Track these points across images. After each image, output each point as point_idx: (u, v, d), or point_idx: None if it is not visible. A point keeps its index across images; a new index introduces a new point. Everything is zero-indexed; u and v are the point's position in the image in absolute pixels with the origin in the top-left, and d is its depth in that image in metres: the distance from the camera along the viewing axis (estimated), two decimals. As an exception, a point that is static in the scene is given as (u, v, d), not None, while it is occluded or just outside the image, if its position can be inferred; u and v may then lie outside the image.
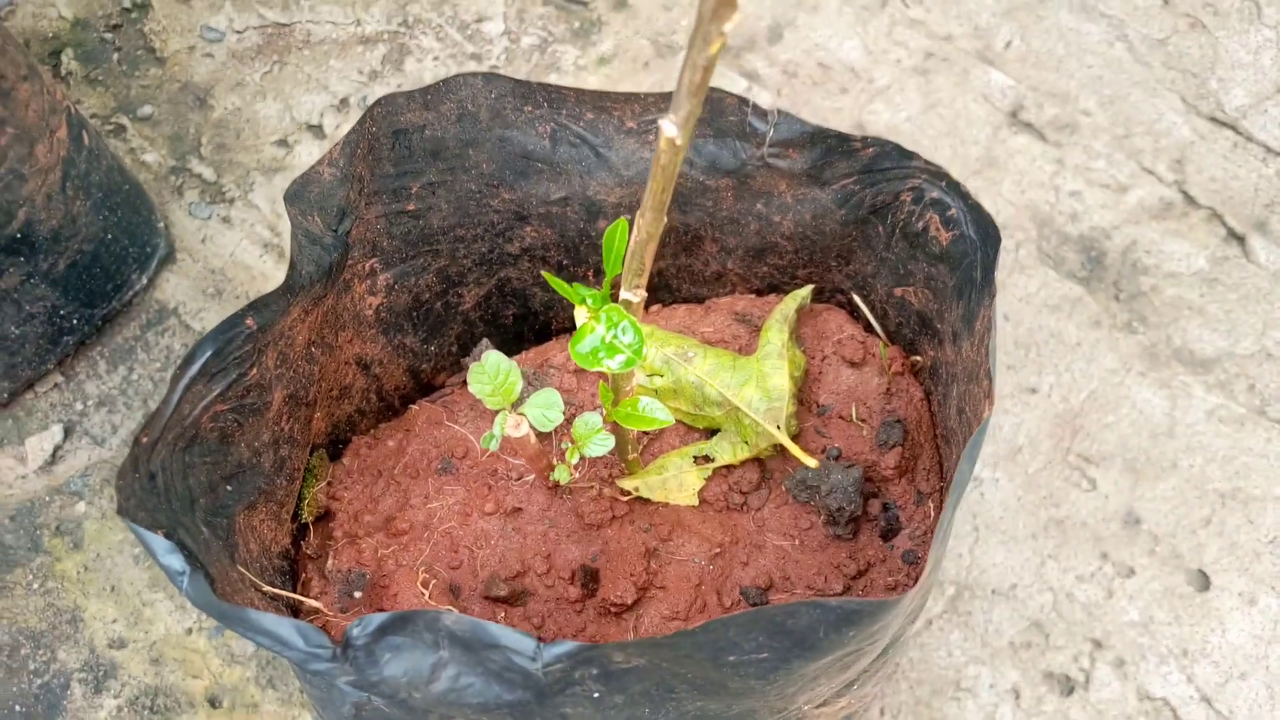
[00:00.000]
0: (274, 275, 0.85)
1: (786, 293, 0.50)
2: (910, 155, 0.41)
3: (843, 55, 0.86)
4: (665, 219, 0.32)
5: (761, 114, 0.43)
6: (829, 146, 0.42)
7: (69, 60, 0.95)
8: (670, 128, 0.29)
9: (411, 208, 0.48)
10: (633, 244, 0.33)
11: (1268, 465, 0.71)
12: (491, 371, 0.37)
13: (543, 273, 0.35)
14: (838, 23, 0.87)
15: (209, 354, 0.36)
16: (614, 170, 0.46)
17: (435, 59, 0.92)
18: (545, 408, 0.38)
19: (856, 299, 0.48)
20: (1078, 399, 0.74)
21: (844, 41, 0.86)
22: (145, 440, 0.34)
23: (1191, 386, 0.74)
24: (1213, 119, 0.80)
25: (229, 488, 0.38)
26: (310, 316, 0.42)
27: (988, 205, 0.81)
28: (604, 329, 0.34)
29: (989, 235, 0.39)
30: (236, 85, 0.93)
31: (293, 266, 0.40)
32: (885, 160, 0.42)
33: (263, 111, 0.92)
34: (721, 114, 0.43)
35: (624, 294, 0.34)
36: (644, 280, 0.34)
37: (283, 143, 0.90)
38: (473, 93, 0.44)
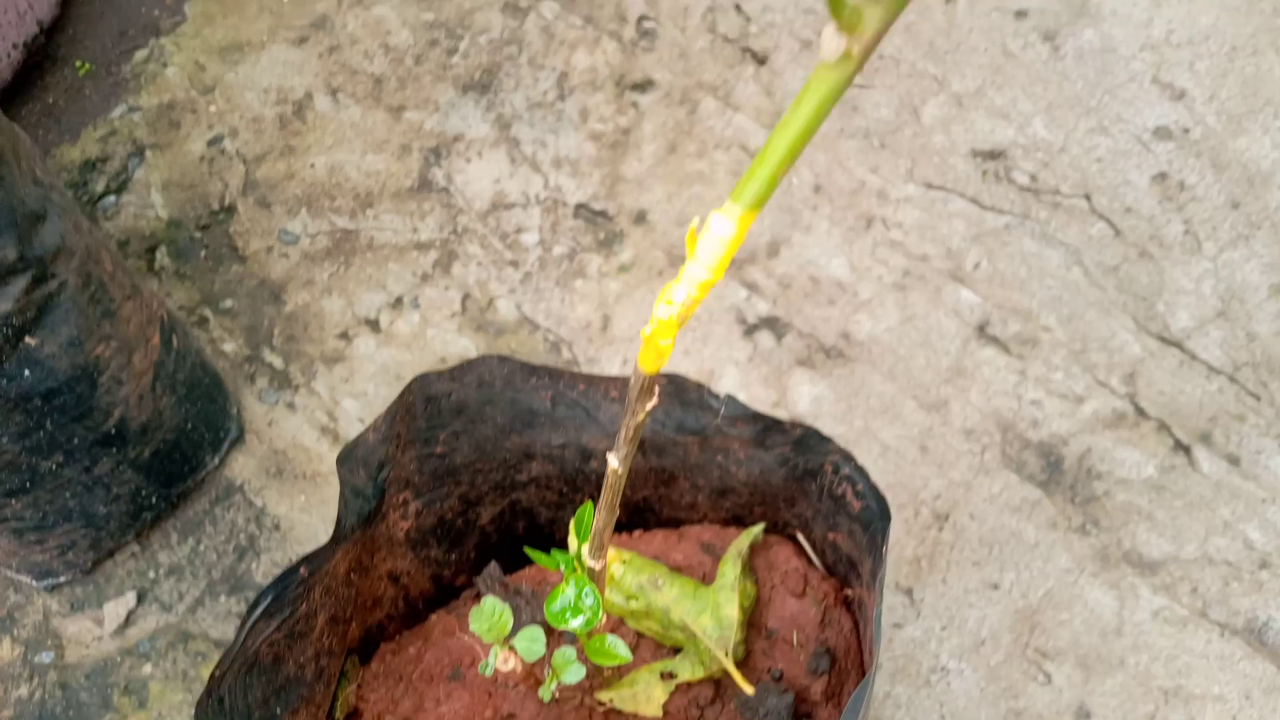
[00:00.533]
0: (327, 457, 0.95)
1: (746, 525, 0.59)
2: (827, 439, 0.51)
3: (831, 271, 0.97)
4: (617, 513, 0.42)
5: (715, 396, 0.53)
6: (766, 425, 0.52)
7: (163, 256, 1.09)
8: (613, 460, 0.39)
9: (439, 450, 0.58)
10: (595, 528, 0.43)
11: (1207, 665, 0.77)
12: (488, 613, 0.46)
13: (525, 549, 0.45)
14: (827, 242, 0.98)
15: (270, 599, 0.46)
16: (602, 426, 0.56)
17: (479, 264, 1.04)
18: (530, 641, 0.46)
19: (800, 537, 0.57)
20: (1036, 596, 0.81)
21: (832, 259, 0.97)
22: (218, 674, 0.44)
23: (1139, 587, 0.81)
24: (1161, 338, 0.88)
25: (278, 699, 0.47)
26: (351, 552, 0.52)
27: (958, 413, 0.90)
28: (573, 591, 0.43)
29: (884, 513, 0.48)
30: (307, 283, 1.06)
31: (339, 522, 0.50)
32: (810, 439, 0.51)
33: (328, 307, 1.04)
34: (686, 392, 0.53)
35: (589, 561, 0.44)
36: (604, 553, 0.43)
37: (344, 335, 1.02)
38: (490, 369, 0.54)
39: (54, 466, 0.79)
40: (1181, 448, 0.85)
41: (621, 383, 0.54)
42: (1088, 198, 0.90)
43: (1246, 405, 0.85)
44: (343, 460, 0.52)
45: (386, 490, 0.55)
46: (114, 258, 0.81)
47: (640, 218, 1.03)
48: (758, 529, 0.57)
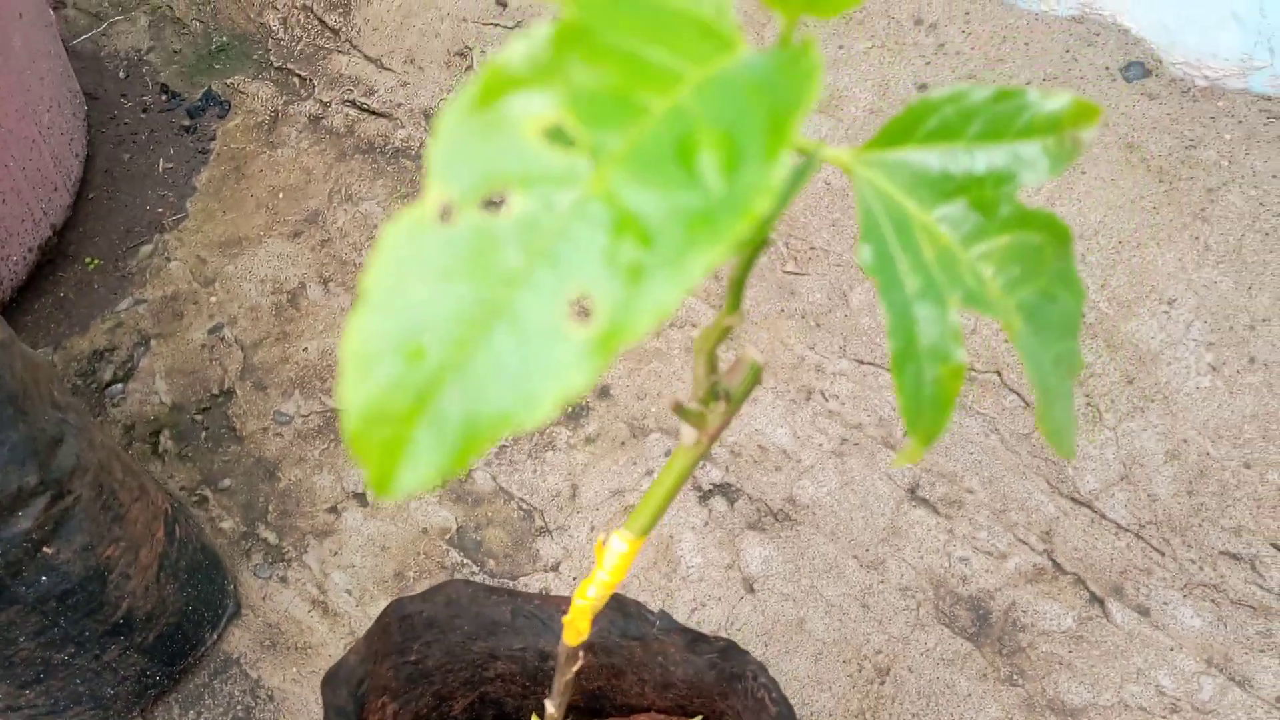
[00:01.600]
0: (318, 629, 1.01)
1: (688, 713, 0.65)
2: (744, 652, 0.57)
3: (777, 439, 1.04)
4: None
5: (650, 612, 0.59)
6: (694, 637, 0.58)
7: (166, 440, 1.16)
8: (550, 706, 0.45)
9: (414, 658, 0.64)
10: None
11: (1127, 810, 0.82)
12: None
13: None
14: (772, 413, 1.05)
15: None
16: (555, 633, 0.62)
17: (455, 439, 1.11)
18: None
19: (737, 728, 0.63)
20: (970, 746, 0.87)
21: (778, 428, 1.04)
22: None
23: (1063, 736, 0.86)
24: (1072, 499, 0.96)
25: None
26: (337, 761, 0.57)
27: (894, 571, 0.97)
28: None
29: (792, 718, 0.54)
30: (299, 460, 1.12)
31: (326, 743, 0.56)
32: (731, 650, 0.58)
33: (319, 482, 1.11)
34: (627, 607, 0.60)
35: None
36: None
37: (333, 509, 1.09)
38: (457, 590, 0.61)
39: (66, 658, 0.84)
40: (1096, 600, 0.91)
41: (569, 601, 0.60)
42: (999, 373, 0.99)
43: (1153, 560, 0.91)
44: (327, 682, 0.57)
45: (366, 701, 0.61)
46: (123, 464, 0.88)
47: (604, 393, 1.11)
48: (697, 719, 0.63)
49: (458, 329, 0.16)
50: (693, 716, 0.65)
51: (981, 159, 0.24)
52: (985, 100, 0.24)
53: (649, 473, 1.03)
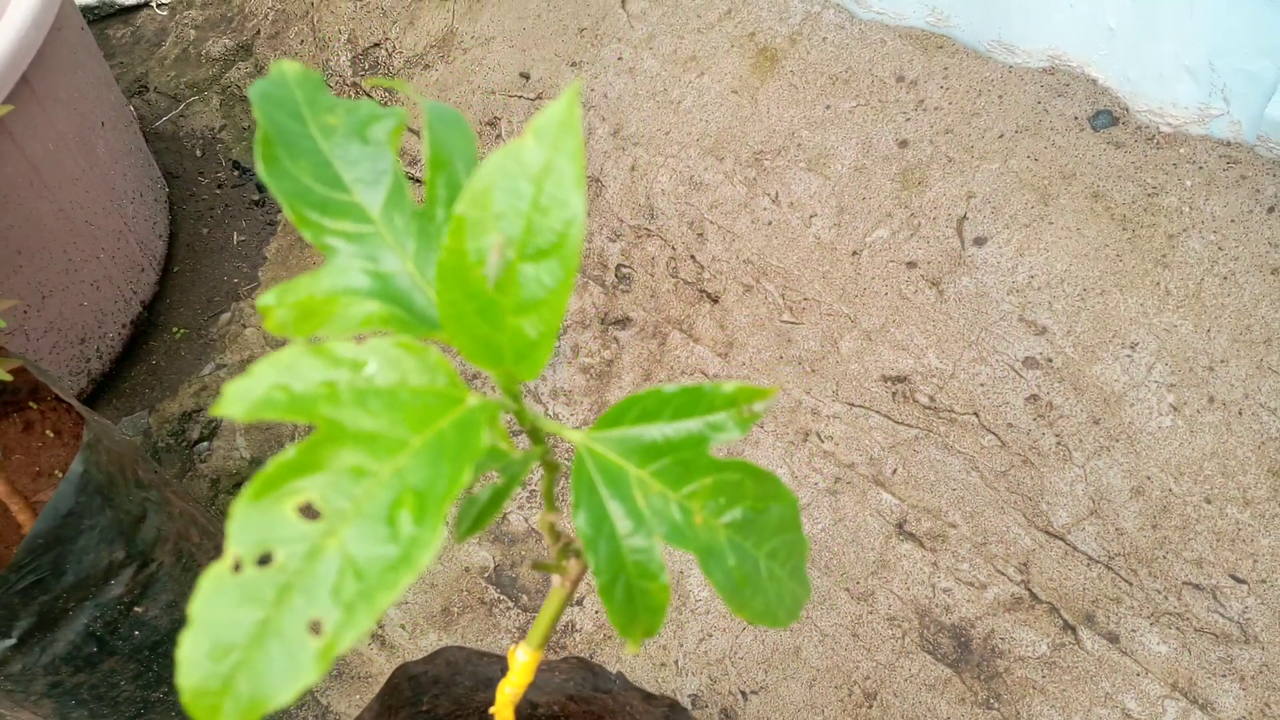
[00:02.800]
0: (377, 660, 1.14)
1: (661, 753, 0.75)
2: (685, 710, 0.67)
3: (777, 479, 1.12)
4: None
5: (610, 673, 0.69)
6: (645, 695, 0.68)
7: (248, 490, 1.31)
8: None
9: (424, 708, 0.75)
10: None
11: (1088, 826, 0.89)
12: None
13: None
14: (772, 454, 1.14)
15: None
16: (540, 687, 0.73)
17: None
18: None
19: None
20: (946, 765, 0.94)
21: (777, 468, 1.13)
22: None
23: (1032, 756, 0.93)
24: (1046, 532, 1.02)
25: None
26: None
27: (882, 602, 1.04)
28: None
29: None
30: (358, 507, 1.26)
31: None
32: (676, 708, 0.67)
33: (375, 526, 1.24)
34: (593, 668, 0.70)
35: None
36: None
37: (387, 551, 1.22)
38: (454, 655, 0.72)
39: (161, 695, 0.99)
40: (1069, 628, 0.97)
41: (555, 663, 0.71)
42: (976, 415, 1.05)
43: (1121, 589, 0.97)
44: (348, 734, 0.69)
45: (386, 745, 0.73)
46: (200, 528, 1.02)
47: (621, 439, 1.21)
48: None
49: (245, 639, 0.26)
50: (660, 755, 0.75)
51: (680, 429, 0.33)
52: (674, 392, 0.33)
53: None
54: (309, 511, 0.27)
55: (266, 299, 0.35)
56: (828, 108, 1.20)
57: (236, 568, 0.26)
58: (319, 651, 0.26)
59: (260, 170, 0.34)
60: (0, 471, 0.90)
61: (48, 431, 1.07)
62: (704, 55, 1.35)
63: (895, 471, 1.07)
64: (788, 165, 1.21)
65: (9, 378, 0.81)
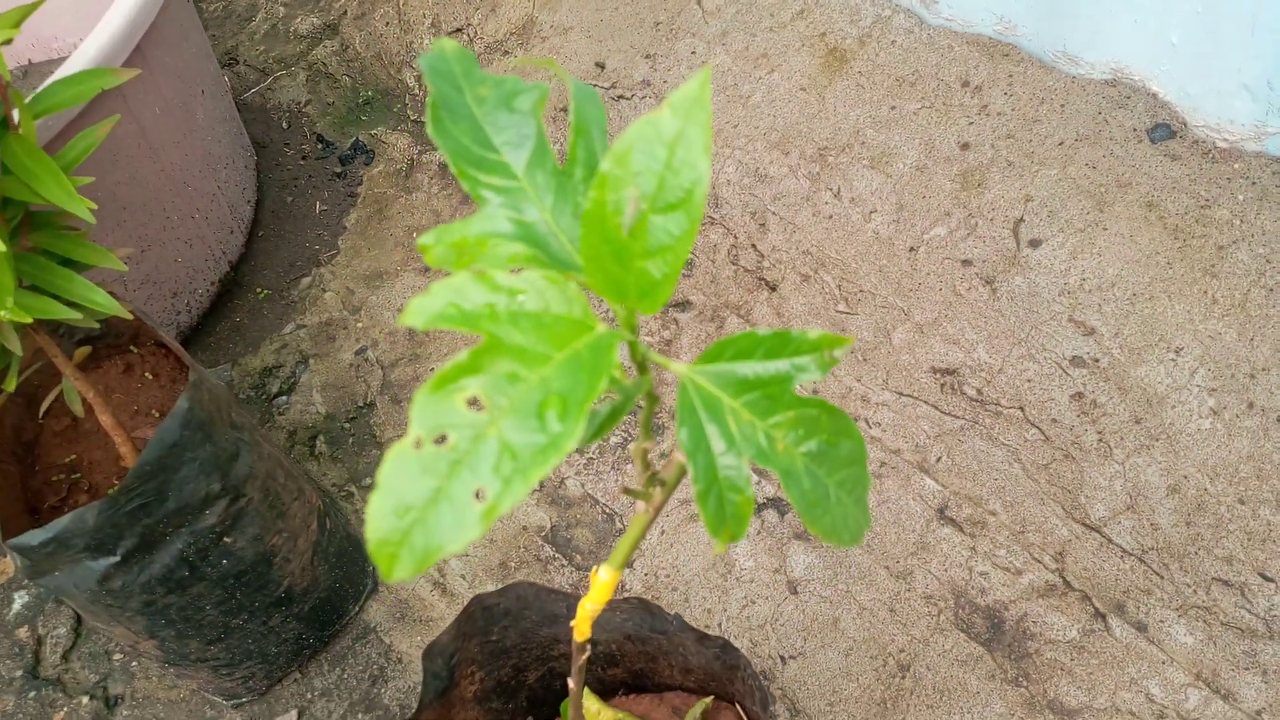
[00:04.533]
0: (438, 606, 1.21)
1: (706, 693, 0.81)
2: (738, 650, 0.72)
3: (825, 461, 1.18)
4: (582, 702, 0.64)
5: (668, 614, 0.75)
6: (699, 636, 0.74)
7: (321, 443, 1.39)
8: (571, 682, 0.62)
9: (495, 638, 0.82)
10: (572, 705, 0.66)
11: (1106, 800, 0.93)
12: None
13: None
14: (822, 437, 1.19)
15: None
16: (601, 626, 0.80)
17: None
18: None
19: (738, 707, 0.78)
20: (972, 737, 0.99)
21: (826, 451, 1.18)
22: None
23: (1056, 733, 0.97)
24: (1084, 524, 1.06)
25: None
26: (435, 713, 0.76)
27: (920, 581, 1.09)
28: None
29: (766, 702, 0.69)
30: (424, 465, 1.33)
31: (421, 698, 0.74)
32: (728, 647, 0.73)
33: (439, 484, 1.31)
34: (650, 608, 0.76)
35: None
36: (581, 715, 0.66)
37: (450, 507, 1.29)
38: (524, 590, 0.79)
39: (241, 622, 1.07)
40: (1099, 615, 1.02)
41: (616, 602, 0.77)
42: (1022, 409, 1.10)
43: (1152, 582, 1.01)
44: (426, 655, 0.76)
45: (457, 669, 0.80)
46: (285, 470, 1.09)
47: (677, 415, 1.27)
48: (708, 700, 0.78)
49: (422, 501, 0.33)
50: (708, 695, 0.81)
51: (769, 368, 0.39)
52: (767, 335, 0.39)
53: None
54: (475, 404, 0.33)
55: (426, 239, 0.41)
56: (893, 108, 1.25)
57: (417, 444, 0.33)
58: (482, 513, 0.32)
59: (430, 130, 0.40)
60: (107, 406, 0.99)
61: (146, 374, 1.15)
62: (775, 53, 1.40)
63: (940, 460, 1.12)
64: (851, 162, 1.26)
65: (129, 316, 0.88)
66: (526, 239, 0.40)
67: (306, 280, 1.53)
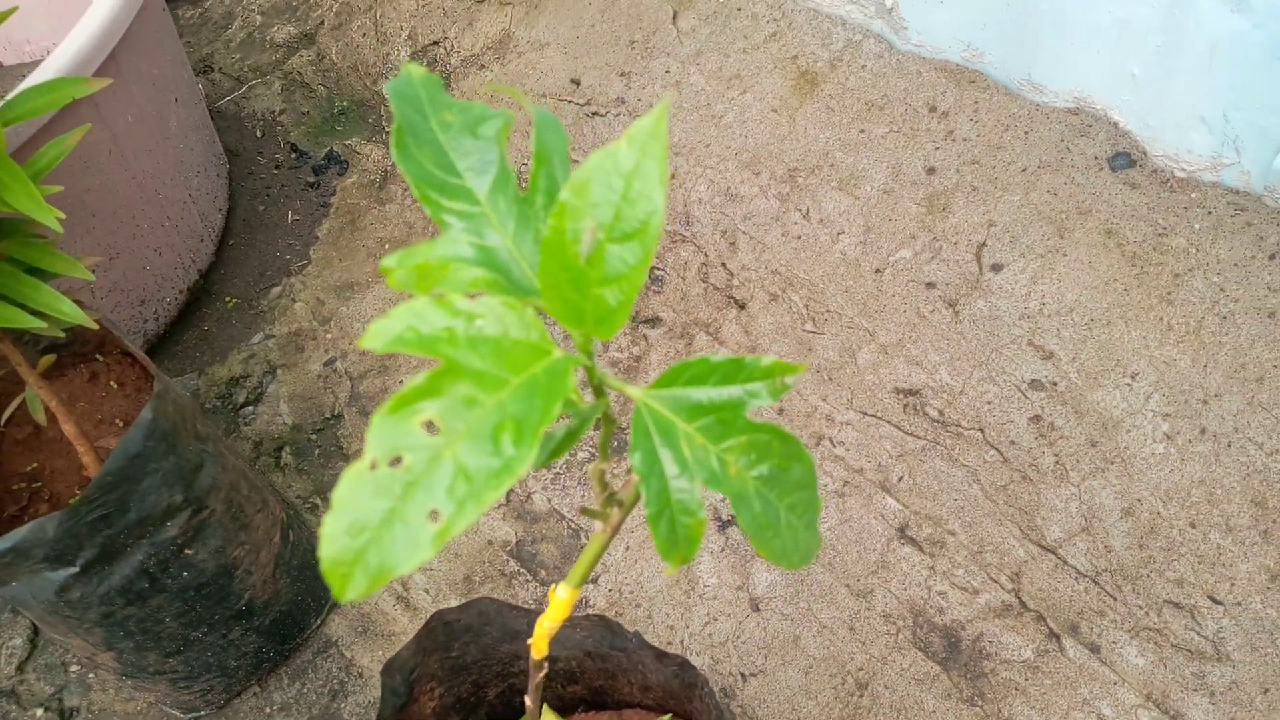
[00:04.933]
0: (400, 620, 1.21)
1: (667, 710, 0.81)
2: (695, 668, 0.73)
3: (789, 479, 1.19)
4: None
5: (628, 631, 0.76)
6: (657, 653, 0.75)
7: (287, 454, 1.38)
8: (528, 700, 0.63)
9: (455, 654, 0.82)
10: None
11: (1058, 818, 0.95)
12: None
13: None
14: (787, 456, 1.20)
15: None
16: (561, 642, 0.80)
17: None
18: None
19: (700, 726, 0.80)
20: (929, 755, 1.00)
21: (790, 469, 1.19)
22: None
23: (1010, 751, 0.99)
24: (1040, 545, 1.08)
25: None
26: (392, 729, 0.76)
27: (880, 600, 1.10)
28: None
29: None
30: (390, 477, 1.33)
31: (379, 713, 0.74)
32: (686, 665, 0.74)
33: (405, 496, 1.31)
34: (611, 625, 0.77)
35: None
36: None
37: (416, 520, 1.29)
38: (485, 606, 0.79)
39: (200, 635, 1.06)
40: (1054, 635, 1.03)
41: (577, 619, 0.78)
42: (982, 431, 1.11)
43: (1106, 604, 1.03)
44: (385, 670, 0.76)
45: (416, 685, 0.80)
46: (249, 482, 1.09)
47: (644, 431, 1.28)
48: (666, 718, 0.79)
49: (377, 522, 0.33)
50: (666, 713, 0.81)
51: (722, 394, 0.40)
52: (721, 362, 0.40)
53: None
54: (430, 427, 0.34)
55: (389, 260, 0.42)
56: (862, 131, 1.27)
57: (373, 466, 0.34)
58: (436, 534, 0.33)
59: (394, 154, 0.41)
60: (71, 415, 0.98)
61: (111, 383, 1.15)
62: (748, 74, 1.42)
63: (901, 479, 1.14)
64: (820, 183, 1.27)
65: (95, 326, 0.88)
66: (488, 264, 0.41)
67: (276, 290, 1.53)
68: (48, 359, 1.05)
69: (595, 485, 0.49)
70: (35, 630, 1.24)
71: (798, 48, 1.40)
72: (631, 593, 1.14)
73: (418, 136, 0.42)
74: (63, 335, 0.95)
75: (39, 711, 1.17)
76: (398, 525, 0.33)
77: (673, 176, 1.39)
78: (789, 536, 0.42)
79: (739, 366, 0.40)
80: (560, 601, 0.56)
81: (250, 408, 1.41)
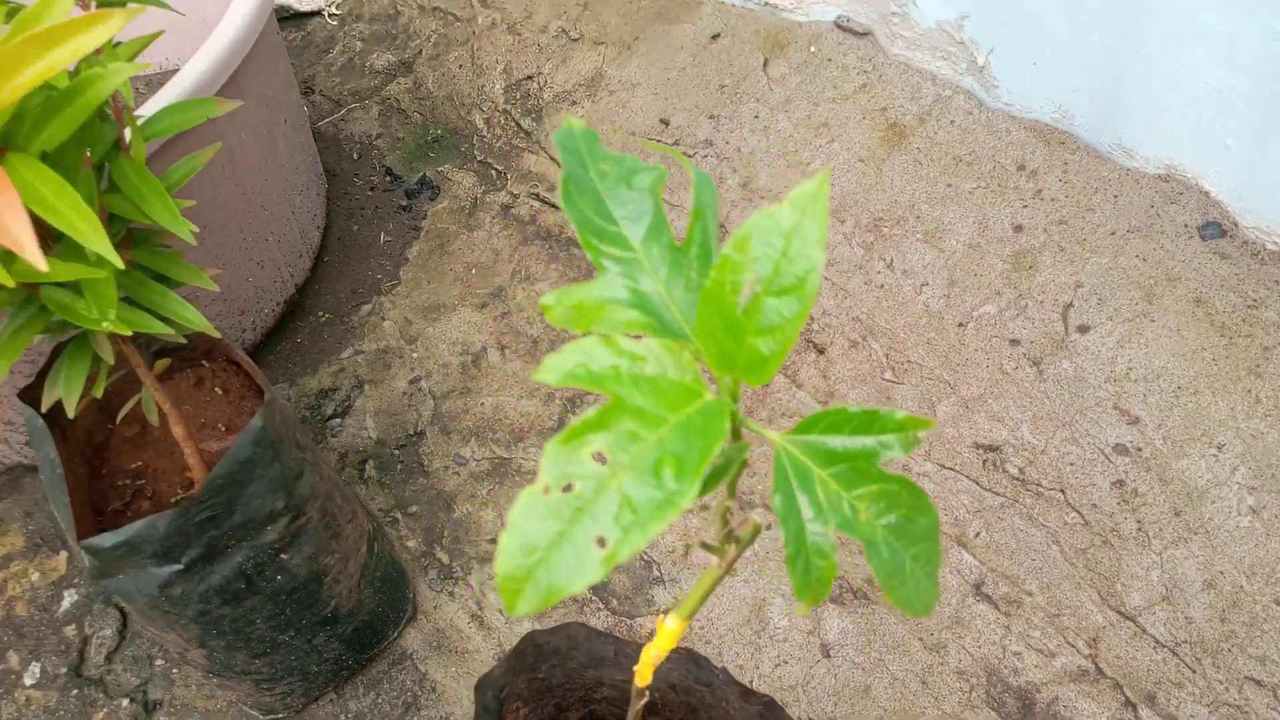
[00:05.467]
0: (474, 638, 1.24)
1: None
2: (782, 709, 0.75)
3: (863, 526, 1.20)
4: None
5: (714, 667, 0.78)
6: (744, 690, 0.77)
7: (370, 468, 1.43)
8: (626, 725, 0.65)
9: (541, 675, 0.85)
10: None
11: None
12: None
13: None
14: (862, 502, 1.21)
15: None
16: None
17: (595, 494, 1.33)
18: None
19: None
20: (996, 813, 1.00)
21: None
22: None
23: (1080, 817, 0.98)
24: (1119, 612, 1.07)
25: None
26: (477, 744, 0.78)
27: (953, 655, 1.11)
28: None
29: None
30: (471, 497, 1.37)
31: (471, 728, 0.77)
32: (773, 706, 0.75)
33: (485, 517, 1.35)
34: (698, 659, 0.79)
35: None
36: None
37: (494, 540, 1.32)
38: (575, 630, 0.81)
39: (287, 639, 1.10)
40: (1130, 705, 1.03)
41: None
42: (1063, 492, 1.12)
43: (1184, 675, 1.02)
44: (479, 686, 0.79)
45: (505, 704, 0.82)
46: (342, 493, 1.13)
47: (720, 469, 1.30)
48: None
49: (547, 543, 0.36)
50: (743, 750, 0.83)
51: (856, 443, 0.43)
52: (856, 413, 0.42)
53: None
54: (599, 458, 0.37)
55: (548, 298, 0.45)
56: (949, 185, 1.29)
57: (545, 490, 0.36)
58: (603, 559, 0.35)
59: (561, 201, 0.44)
60: (181, 418, 1.03)
61: (216, 389, 1.20)
62: (836, 123, 1.45)
63: (978, 535, 1.14)
64: (905, 234, 1.29)
65: (217, 335, 0.93)
66: (641, 307, 0.44)
67: (367, 307, 1.58)
68: (163, 362, 1.11)
69: (717, 521, 0.51)
70: (124, 622, 1.30)
71: (887, 100, 1.43)
72: (702, 629, 1.15)
73: (579, 185, 0.45)
74: (184, 341, 1.01)
75: (124, 702, 1.22)
76: (567, 547, 0.36)
77: (760, 220, 1.42)
78: (913, 585, 0.44)
79: (873, 418, 0.42)
80: (669, 631, 0.58)
81: (337, 420, 1.46)
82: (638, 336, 0.41)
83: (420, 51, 1.99)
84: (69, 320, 0.82)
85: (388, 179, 1.80)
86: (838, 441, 0.43)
